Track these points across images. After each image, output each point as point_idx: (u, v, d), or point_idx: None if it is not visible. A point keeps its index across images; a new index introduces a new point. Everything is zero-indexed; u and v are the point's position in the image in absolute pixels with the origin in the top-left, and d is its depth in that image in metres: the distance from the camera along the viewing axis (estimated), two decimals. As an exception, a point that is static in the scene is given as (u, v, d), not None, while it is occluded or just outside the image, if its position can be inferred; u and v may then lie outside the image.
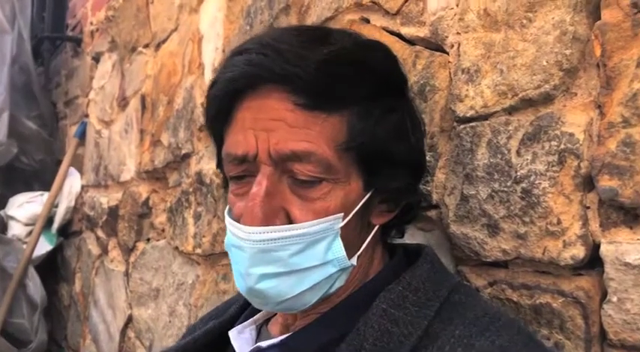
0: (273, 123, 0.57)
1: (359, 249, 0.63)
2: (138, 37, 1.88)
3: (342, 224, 0.59)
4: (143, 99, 1.79)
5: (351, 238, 0.61)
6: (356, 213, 0.60)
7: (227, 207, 0.66)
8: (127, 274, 1.80)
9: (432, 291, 0.62)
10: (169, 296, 1.50)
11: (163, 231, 1.58)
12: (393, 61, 0.65)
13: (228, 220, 0.63)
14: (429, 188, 0.83)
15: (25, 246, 2.22)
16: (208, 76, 1.41)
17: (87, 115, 2.32)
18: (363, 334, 0.58)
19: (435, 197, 0.83)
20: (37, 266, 2.27)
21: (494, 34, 0.74)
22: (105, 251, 2.01)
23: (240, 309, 0.76)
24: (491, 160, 0.72)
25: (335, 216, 0.59)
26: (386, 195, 0.63)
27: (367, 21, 0.96)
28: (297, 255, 0.58)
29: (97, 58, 2.27)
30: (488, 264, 0.74)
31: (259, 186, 0.58)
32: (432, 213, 0.84)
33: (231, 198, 0.63)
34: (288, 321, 0.67)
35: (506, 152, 0.71)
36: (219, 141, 0.65)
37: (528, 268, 0.69)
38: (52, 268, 2.42)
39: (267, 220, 0.58)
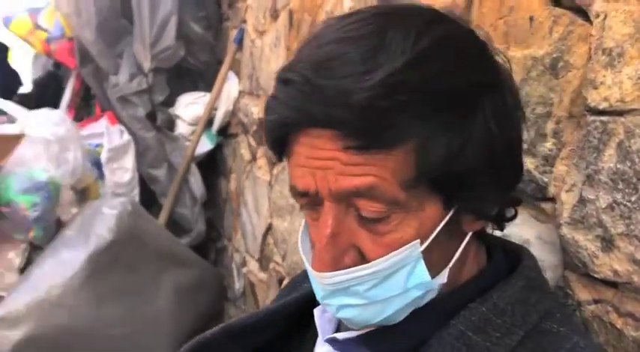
0: (327, 162, 0.53)
1: (450, 261, 0.59)
2: (290, -56, 1.82)
3: (421, 249, 0.55)
4: (290, 14, 1.78)
5: (437, 256, 0.57)
6: (439, 232, 0.56)
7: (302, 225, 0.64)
8: (270, 184, 1.92)
9: (520, 316, 0.57)
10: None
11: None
12: (465, 55, 0.55)
13: (302, 250, 0.62)
14: (546, 179, 0.74)
15: (188, 144, 2.45)
16: (347, 3, 1.35)
17: (245, 21, 2.37)
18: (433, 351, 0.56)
19: (552, 190, 0.74)
20: (198, 163, 2.51)
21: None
22: (254, 157, 2.14)
23: None
24: (619, 166, 0.63)
25: (409, 246, 0.54)
26: (470, 208, 0.58)
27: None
28: (373, 289, 0.56)
29: (255, -38, 2.27)
30: (597, 277, 0.66)
31: (324, 227, 0.55)
32: (547, 207, 0.76)
33: (307, 219, 0.61)
34: None
35: (637, 160, 0.60)
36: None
37: (640, 297, 0.61)
38: (212, 165, 2.65)
39: (337, 263, 0.56)
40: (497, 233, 0.68)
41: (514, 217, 0.64)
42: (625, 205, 0.61)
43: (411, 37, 0.52)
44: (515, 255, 0.65)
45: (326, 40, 0.54)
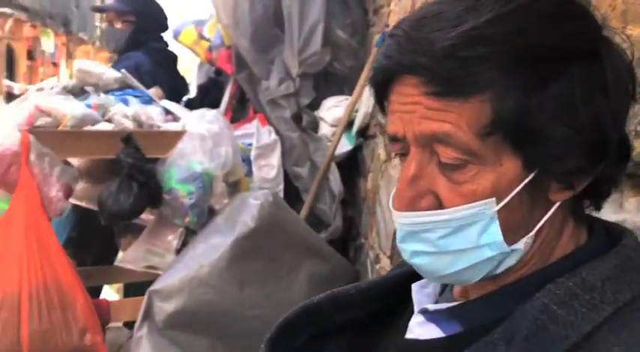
0: (412, 107, 0.57)
1: (530, 231, 0.59)
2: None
3: (496, 208, 0.56)
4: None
5: (515, 220, 0.58)
6: (518, 194, 0.56)
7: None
8: (402, 182, 1.94)
9: (611, 293, 0.56)
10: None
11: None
12: (557, 20, 0.55)
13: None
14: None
15: (329, 144, 2.56)
16: None
17: (387, 25, 2.43)
18: (518, 325, 0.56)
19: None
20: (339, 163, 2.61)
21: None
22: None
23: None
24: None
25: (485, 201, 0.56)
26: (556, 175, 0.57)
27: None
28: (445, 238, 0.58)
29: (398, -32, 2.32)
30: None
31: (406, 169, 0.59)
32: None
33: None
34: (468, 287, 0.67)
35: None
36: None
37: None
38: (354, 165, 2.74)
39: (414, 204, 0.58)
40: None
41: (608, 194, 0.62)
42: None
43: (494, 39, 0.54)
44: (618, 237, 0.62)
45: (430, 2, 0.59)
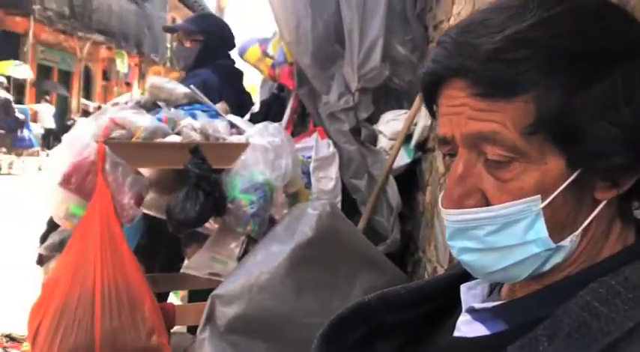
0: (460, 108, 0.61)
1: (577, 229, 0.61)
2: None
3: (542, 205, 0.59)
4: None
5: (561, 218, 0.60)
6: (563, 192, 0.59)
7: None
8: (460, 194, 1.95)
9: None
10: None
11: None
12: (600, 24, 0.59)
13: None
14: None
15: (387, 157, 2.59)
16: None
17: (446, 40, 2.45)
18: (560, 321, 0.58)
19: None
20: (396, 176, 2.64)
21: None
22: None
23: None
24: None
25: (531, 198, 0.59)
26: (601, 174, 0.59)
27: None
28: (492, 235, 0.61)
29: (457, -16, 2.35)
30: None
31: (455, 169, 0.62)
32: None
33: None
34: (515, 287, 0.69)
35: None
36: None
37: None
38: (410, 178, 2.76)
39: (462, 202, 0.62)
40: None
41: None
42: None
43: (547, 4, 0.59)
44: None
45: (477, 11, 0.64)
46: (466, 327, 0.70)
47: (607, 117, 0.57)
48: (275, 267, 1.99)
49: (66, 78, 19.75)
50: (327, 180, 2.56)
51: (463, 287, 0.74)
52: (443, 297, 0.79)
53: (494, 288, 0.75)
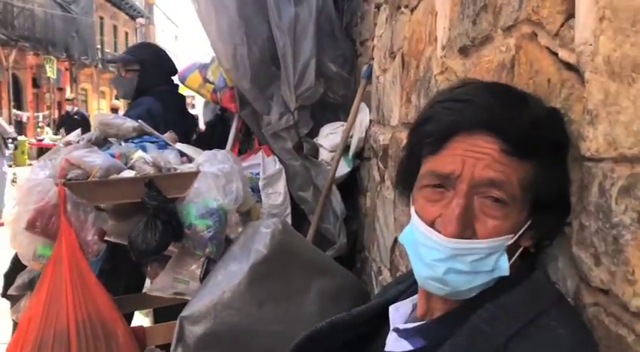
0: (482, 155, 0.79)
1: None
2: (400, -4, 2.10)
3: (510, 242, 0.80)
4: (402, 57, 2.05)
5: (508, 254, 0.81)
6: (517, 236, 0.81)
7: (413, 209, 0.87)
8: (394, 203, 2.19)
9: (521, 313, 0.78)
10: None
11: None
12: (565, 129, 0.83)
13: (420, 223, 0.83)
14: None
15: (329, 168, 2.81)
16: (439, 53, 1.59)
17: (372, 58, 2.68)
18: (457, 341, 0.79)
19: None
20: (339, 185, 2.86)
21: (611, 83, 0.78)
22: (382, 179, 2.43)
23: (401, 291, 1.03)
24: (599, 200, 0.80)
25: (507, 236, 0.80)
26: (537, 227, 0.82)
27: (536, 35, 1.03)
28: (476, 262, 0.79)
29: (377, 7, 2.57)
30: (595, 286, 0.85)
31: (458, 205, 0.78)
32: (567, 229, 0.95)
33: (422, 202, 0.84)
34: (433, 307, 0.89)
35: (608, 197, 0.79)
36: (414, 165, 0.88)
37: (617, 302, 0.80)
38: (352, 184, 2.99)
39: (460, 233, 0.78)
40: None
41: (554, 239, 0.88)
42: (603, 230, 0.79)
43: (540, 102, 0.84)
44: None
45: (490, 85, 0.91)
46: (393, 343, 0.92)
47: (560, 192, 0.81)
48: (235, 285, 2.18)
49: (-7, 89, 18.96)
50: (276, 195, 2.76)
51: (391, 308, 0.96)
52: (377, 318, 1.01)
53: (414, 308, 0.96)
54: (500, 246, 0.79)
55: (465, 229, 0.79)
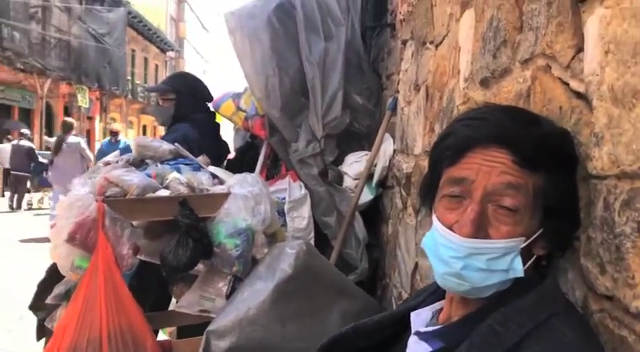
0: (496, 164, 0.87)
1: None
2: (426, 33, 2.23)
3: (523, 245, 0.88)
4: (427, 89, 2.16)
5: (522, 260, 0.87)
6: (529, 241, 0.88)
7: (434, 216, 0.96)
8: (416, 229, 2.28)
9: (534, 315, 0.84)
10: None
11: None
12: (574, 147, 0.92)
13: (439, 226, 0.91)
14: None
15: (353, 195, 2.91)
16: (462, 85, 1.70)
17: (397, 91, 2.81)
18: (472, 340, 0.87)
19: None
20: (362, 212, 2.96)
21: (614, 109, 0.88)
22: (405, 206, 2.52)
23: (420, 301, 1.10)
24: (604, 214, 0.88)
25: (520, 238, 0.86)
26: (549, 236, 0.91)
27: (550, 67, 1.14)
28: (491, 260, 0.86)
29: (404, 43, 2.71)
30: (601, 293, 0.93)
31: (473, 210, 0.86)
32: (576, 243, 1.04)
33: (442, 210, 0.92)
34: (452, 313, 0.98)
35: (612, 210, 0.87)
36: (436, 178, 0.97)
37: (620, 306, 0.87)
38: (375, 212, 3.08)
39: (475, 234, 0.85)
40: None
41: (566, 251, 0.96)
42: (607, 241, 0.86)
43: (551, 122, 0.95)
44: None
45: (504, 108, 1.00)
46: (414, 345, 0.99)
47: (569, 205, 0.90)
48: (261, 302, 2.26)
49: (26, 115, 19.60)
50: (301, 219, 2.86)
51: (413, 315, 1.04)
52: (399, 324, 1.09)
53: (434, 315, 1.05)
54: (513, 247, 0.87)
55: (479, 232, 0.86)
